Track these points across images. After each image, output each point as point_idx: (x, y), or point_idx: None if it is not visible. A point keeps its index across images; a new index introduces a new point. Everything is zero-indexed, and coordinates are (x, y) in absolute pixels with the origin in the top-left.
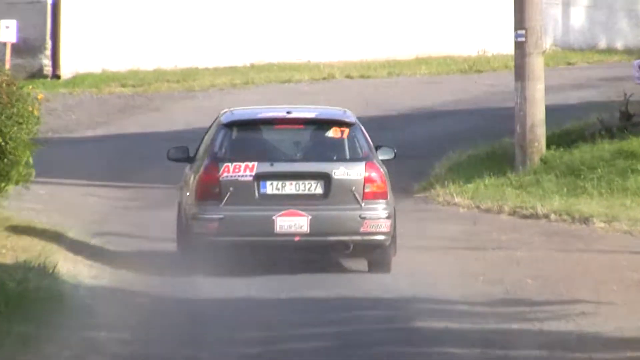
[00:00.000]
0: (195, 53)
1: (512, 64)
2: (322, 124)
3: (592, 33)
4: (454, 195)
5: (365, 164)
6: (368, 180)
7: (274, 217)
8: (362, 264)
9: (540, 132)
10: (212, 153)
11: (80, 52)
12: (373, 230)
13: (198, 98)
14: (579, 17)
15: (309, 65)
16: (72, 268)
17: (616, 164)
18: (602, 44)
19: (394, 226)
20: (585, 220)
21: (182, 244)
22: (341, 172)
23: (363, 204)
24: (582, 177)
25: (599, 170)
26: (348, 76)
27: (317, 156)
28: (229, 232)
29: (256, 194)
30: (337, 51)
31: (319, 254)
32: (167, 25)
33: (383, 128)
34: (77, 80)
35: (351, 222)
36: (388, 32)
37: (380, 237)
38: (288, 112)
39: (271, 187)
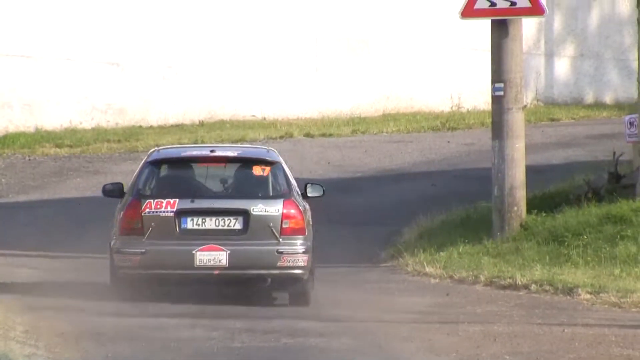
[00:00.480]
0: (137, 109)
1: (489, 120)
2: (244, 163)
3: (578, 86)
4: (425, 264)
5: (284, 201)
6: (286, 216)
7: (194, 252)
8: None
9: (520, 195)
10: (136, 190)
11: (11, 109)
12: (290, 264)
13: (142, 159)
14: (563, 69)
15: (264, 123)
16: (2, 346)
17: (604, 230)
18: (589, 98)
19: (311, 261)
20: (570, 291)
21: (110, 277)
22: (259, 208)
23: (281, 239)
24: (566, 244)
25: (585, 236)
26: (308, 134)
27: (237, 193)
28: (151, 265)
29: (177, 229)
30: (295, 106)
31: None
32: (107, 78)
33: (347, 191)
34: (7, 140)
35: (269, 257)
36: (352, 85)
37: (298, 272)
38: (212, 151)
39: (192, 223)
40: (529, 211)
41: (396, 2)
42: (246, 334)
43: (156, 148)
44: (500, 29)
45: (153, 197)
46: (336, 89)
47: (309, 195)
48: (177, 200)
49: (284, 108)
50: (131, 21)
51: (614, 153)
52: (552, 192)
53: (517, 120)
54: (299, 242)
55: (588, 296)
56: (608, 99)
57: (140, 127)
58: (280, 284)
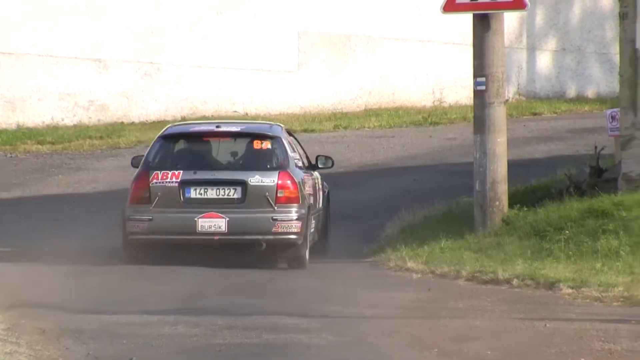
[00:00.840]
0: (119, 106)
1: (471, 115)
2: (246, 137)
3: (560, 80)
4: (407, 259)
5: (279, 172)
6: (280, 186)
7: (196, 219)
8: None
9: (502, 190)
10: (146, 162)
11: None
12: (284, 230)
13: (124, 156)
14: (545, 63)
15: (246, 119)
16: None
17: (586, 224)
18: (572, 92)
19: (306, 227)
20: (551, 285)
21: (122, 242)
22: (256, 179)
23: (276, 208)
24: (548, 238)
25: (567, 231)
26: (289, 130)
27: (237, 165)
28: (157, 231)
29: (181, 198)
30: (277, 102)
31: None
32: (89, 74)
33: (330, 187)
34: None
35: (264, 223)
36: (334, 81)
37: (291, 237)
38: (217, 126)
39: (194, 192)
40: (510, 206)
41: None
42: (228, 331)
43: (171, 125)
44: (482, 24)
45: (160, 168)
46: (318, 85)
47: (319, 166)
48: (182, 171)
49: (266, 104)
50: (112, 17)
51: (596, 147)
52: (534, 186)
53: (499, 115)
54: (293, 210)
55: (570, 291)
56: (590, 93)
57: (122, 123)
58: (275, 248)
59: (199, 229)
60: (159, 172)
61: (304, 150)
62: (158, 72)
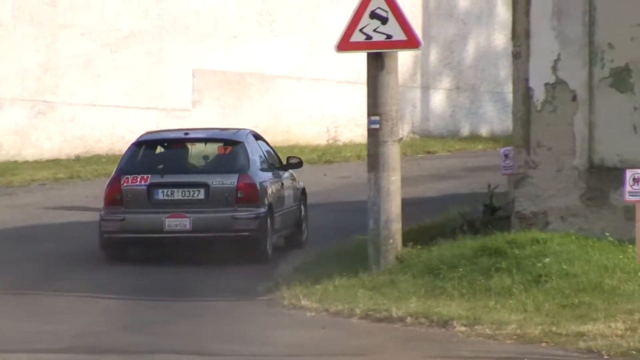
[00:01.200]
0: (13, 144)
1: (365, 153)
2: (211, 142)
3: (454, 119)
4: (301, 297)
5: (239, 175)
6: (240, 187)
7: (163, 219)
8: None
9: (395, 228)
10: (119, 167)
11: None
12: (244, 227)
13: (17, 194)
14: (439, 101)
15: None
16: None
17: (479, 262)
18: (465, 130)
19: (266, 224)
20: (445, 323)
21: (98, 240)
22: (218, 181)
23: (236, 207)
24: (441, 276)
25: (460, 269)
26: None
27: (201, 169)
28: (128, 230)
29: (149, 199)
30: None
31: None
32: None
33: None
34: None
35: (225, 222)
36: (228, 118)
37: (251, 234)
38: (185, 134)
39: (162, 194)
40: (404, 244)
41: (273, 36)
42: None
43: (146, 132)
44: (376, 62)
45: (131, 173)
46: (213, 123)
47: (290, 164)
48: (150, 175)
49: None
50: (5, 56)
51: (489, 185)
52: (428, 224)
53: (392, 153)
54: (252, 209)
55: (463, 328)
56: (484, 131)
57: (16, 162)
58: (236, 244)
59: (166, 228)
60: (129, 176)
61: (274, 152)
62: (52, 111)
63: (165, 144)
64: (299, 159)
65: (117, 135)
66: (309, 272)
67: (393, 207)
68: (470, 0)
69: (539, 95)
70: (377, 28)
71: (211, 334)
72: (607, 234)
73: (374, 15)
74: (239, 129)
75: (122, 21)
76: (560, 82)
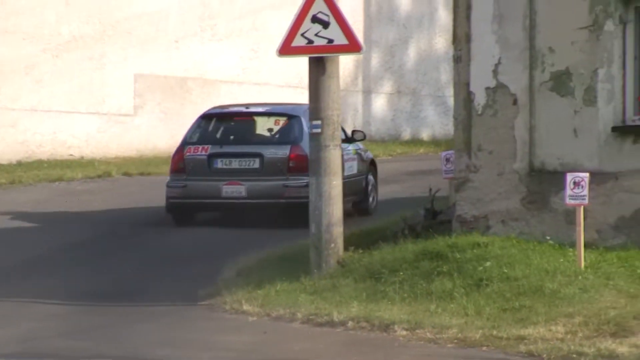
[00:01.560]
0: None
1: None
2: (269, 116)
3: (396, 123)
4: (243, 302)
5: (291, 146)
6: (291, 158)
7: (221, 186)
8: None
9: (337, 232)
10: (184, 138)
11: None
12: (294, 195)
13: None
14: (381, 106)
15: (82, 162)
16: None
17: (420, 266)
18: (407, 134)
19: None
20: (386, 327)
21: (165, 205)
22: (271, 152)
23: (288, 176)
24: (383, 280)
25: (402, 273)
26: (126, 173)
27: (257, 140)
28: (190, 196)
29: (209, 168)
30: (114, 146)
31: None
32: None
33: (166, 230)
34: None
35: (277, 189)
36: (169, 124)
37: (301, 201)
38: (246, 108)
39: (221, 163)
40: (346, 248)
41: (214, 40)
42: None
43: (213, 106)
44: (318, 67)
45: (194, 143)
46: (155, 128)
47: (355, 138)
48: (210, 146)
49: (103, 147)
50: None
51: (431, 189)
52: (369, 229)
53: (334, 158)
54: (303, 178)
55: (404, 332)
56: (425, 135)
57: None
58: (287, 211)
59: (223, 195)
60: (192, 146)
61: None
62: None
63: (227, 117)
64: (363, 132)
65: (58, 140)
66: (251, 276)
67: (335, 211)
68: (412, 4)
69: (479, 99)
70: (318, 32)
71: (151, 339)
72: (548, 238)
73: (315, 20)
74: (297, 104)
75: (63, 26)
76: (501, 86)
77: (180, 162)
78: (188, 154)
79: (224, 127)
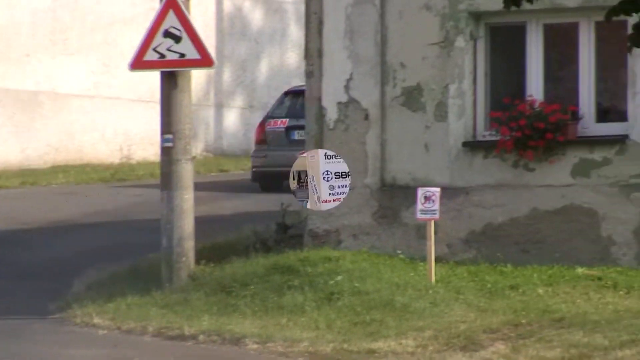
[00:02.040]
0: None
1: (158, 171)
2: None
3: (247, 137)
4: (93, 315)
5: None
6: None
7: (297, 155)
8: None
9: (188, 246)
10: (267, 113)
11: None
12: None
13: None
14: (233, 120)
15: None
16: None
17: (271, 280)
18: None
19: None
20: (237, 341)
21: (251, 173)
22: None
23: None
24: (234, 294)
25: (252, 286)
26: None
27: None
28: (270, 165)
29: (287, 139)
30: None
31: None
32: None
33: (15, 244)
34: None
35: None
36: (20, 138)
37: None
38: None
39: (297, 135)
40: (198, 262)
41: (66, 54)
42: None
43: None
44: (170, 81)
45: (274, 117)
46: (5, 142)
47: None
48: (288, 119)
49: None
50: None
51: (282, 204)
52: (221, 243)
53: (186, 171)
54: None
55: (255, 346)
56: None
57: None
58: None
59: None
60: (272, 120)
61: None
62: None
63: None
64: None
65: None
66: (101, 290)
67: (186, 225)
68: (263, 20)
69: (331, 114)
70: (170, 47)
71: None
72: (399, 252)
73: (167, 34)
74: None
75: None
76: (352, 101)
77: (262, 135)
78: (269, 127)
79: (301, 102)
